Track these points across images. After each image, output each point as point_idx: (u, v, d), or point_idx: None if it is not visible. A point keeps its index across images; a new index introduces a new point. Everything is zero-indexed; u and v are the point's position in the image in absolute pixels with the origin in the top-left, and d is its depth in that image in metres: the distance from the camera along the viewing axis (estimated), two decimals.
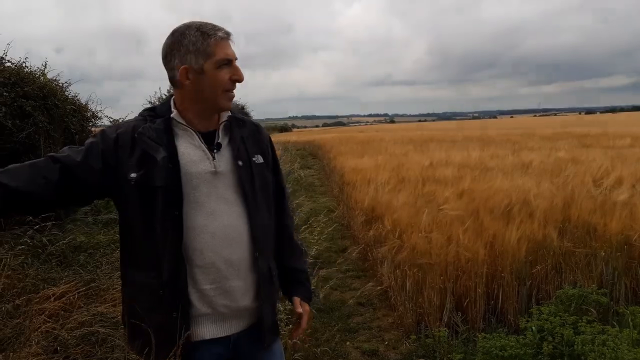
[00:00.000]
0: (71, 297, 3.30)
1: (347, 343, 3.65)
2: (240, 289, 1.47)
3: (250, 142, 1.56)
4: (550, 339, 2.65)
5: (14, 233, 4.03)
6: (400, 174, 7.20)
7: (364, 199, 5.95)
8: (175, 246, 1.38)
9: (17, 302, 3.10)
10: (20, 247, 3.76)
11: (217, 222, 1.43)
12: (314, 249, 5.19)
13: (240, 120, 1.58)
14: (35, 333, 2.80)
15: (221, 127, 1.51)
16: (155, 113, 1.48)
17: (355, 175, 7.78)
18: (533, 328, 2.76)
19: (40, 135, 4.77)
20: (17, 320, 2.92)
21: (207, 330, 1.46)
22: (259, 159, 1.56)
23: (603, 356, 2.33)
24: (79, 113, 5.77)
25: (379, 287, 4.47)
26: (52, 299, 3.24)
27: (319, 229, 5.66)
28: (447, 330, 3.21)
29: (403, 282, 3.91)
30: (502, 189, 5.08)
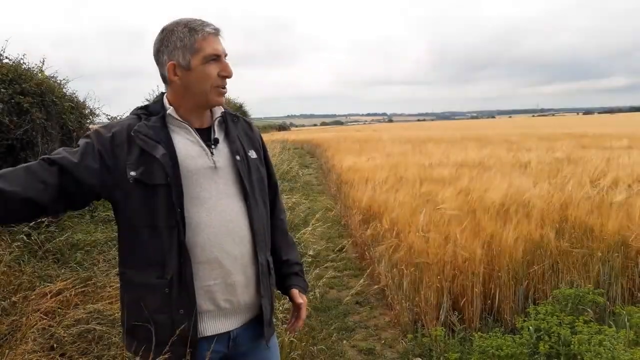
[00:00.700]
0: (68, 295, 3.29)
1: (344, 341, 3.65)
2: (241, 284, 1.48)
3: (244, 138, 1.59)
4: (546, 338, 2.66)
5: (10, 230, 4.02)
6: (398, 174, 7.19)
7: (362, 198, 5.94)
8: (179, 243, 1.38)
9: (13, 299, 3.10)
10: (16, 244, 3.75)
11: (219, 218, 1.44)
12: (312, 248, 5.20)
13: (234, 116, 1.60)
14: (32, 330, 2.80)
15: (216, 122, 1.53)
16: (149, 111, 1.48)
17: (353, 175, 7.78)
18: (530, 328, 2.77)
19: (38, 132, 4.76)
20: (13, 318, 2.91)
21: (208, 327, 1.46)
22: (253, 154, 1.58)
23: (599, 356, 2.34)
24: (77, 110, 5.75)
25: (376, 286, 4.47)
26: (48, 296, 3.23)
27: (316, 228, 5.66)
28: (443, 330, 3.22)
29: (400, 281, 3.91)
30: (499, 189, 5.08)
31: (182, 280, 1.39)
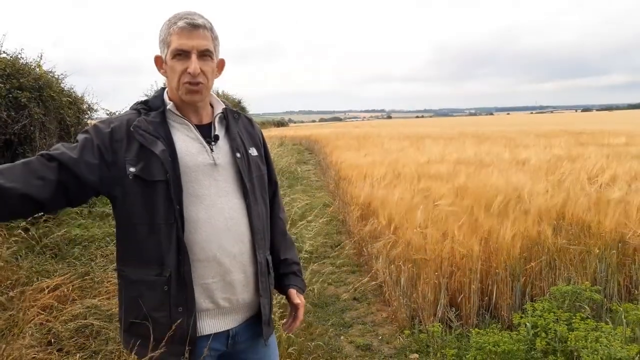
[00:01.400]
0: (65, 290, 3.29)
1: (341, 337, 3.66)
2: (240, 282, 1.47)
3: (245, 135, 1.57)
4: (543, 335, 2.67)
5: (7, 225, 4.01)
6: (396, 170, 7.19)
7: (360, 194, 5.94)
8: (178, 241, 1.36)
9: (10, 294, 3.10)
10: (14, 239, 3.75)
11: (219, 215, 1.43)
12: (309, 244, 5.20)
13: (235, 113, 1.58)
14: (29, 325, 2.80)
15: (217, 118, 1.51)
16: (149, 106, 1.46)
17: (351, 171, 7.78)
18: (527, 324, 2.78)
19: (36, 127, 4.75)
20: (11, 312, 2.91)
21: (207, 325, 1.45)
22: (254, 151, 1.56)
23: (596, 352, 2.34)
24: (75, 105, 5.75)
25: (373, 282, 4.48)
26: (46, 291, 3.23)
27: (314, 224, 5.66)
28: (440, 326, 3.22)
29: (397, 277, 3.92)
30: (497, 186, 5.09)
31: (180, 278, 1.37)
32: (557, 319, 2.75)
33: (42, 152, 1.31)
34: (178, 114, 1.44)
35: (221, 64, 1.53)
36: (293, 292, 1.67)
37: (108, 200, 1.45)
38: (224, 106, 1.54)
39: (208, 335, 1.45)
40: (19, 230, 3.92)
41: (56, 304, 3.15)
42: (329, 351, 3.41)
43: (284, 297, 1.72)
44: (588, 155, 8.41)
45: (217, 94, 1.63)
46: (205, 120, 1.51)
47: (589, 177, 5.97)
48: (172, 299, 1.38)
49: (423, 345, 3.33)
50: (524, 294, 3.71)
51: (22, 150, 4.65)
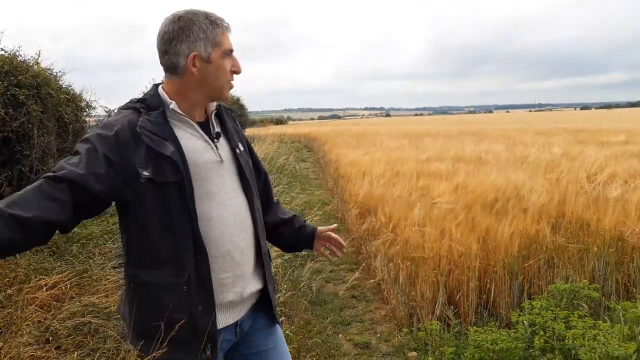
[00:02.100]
0: (63, 288, 3.29)
1: (340, 335, 3.66)
2: (249, 274, 1.53)
3: (234, 131, 1.61)
4: (541, 333, 2.67)
5: None
6: (395, 168, 7.19)
7: (359, 192, 5.94)
8: (194, 240, 1.37)
9: (8, 291, 3.09)
10: None
11: (229, 211, 1.46)
12: None
13: (228, 109, 1.61)
14: (27, 323, 2.79)
15: (212, 116, 1.53)
16: (147, 104, 1.42)
17: (350, 169, 7.78)
18: (525, 322, 2.78)
19: (34, 124, 4.73)
20: (8, 310, 2.90)
21: (222, 319, 1.48)
22: (241, 146, 1.60)
23: (594, 351, 2.35)
24: (73, 102, 5.72)
25: (372, 280, 4.48)
26: (44, 289, 3.23)
27: (313, 222, 5.66)
28: (439, 324, 3.23)
29: (396, 275, 3.92)
30: (496, 184, 5.09)
31: (199, 277, 1.39)
32: (555, 317, 2.75)
33: (47, 174, 1.28)
34: (180, 112, 1.42)
35: None
36: (321, 229, 1.82)
37: None
38: (216, 103, 1.55)
39: (220, 329, 1.48)
40: None
41: (54, 302, 3.14)
42: (327, 349, 3.41)
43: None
44: (587, 154, 8.41)
45: None
46: (203, 117, 1.52)
47: (587, 175, 5.96)
48: (192, 299, 1.38)
49: (421, 343, 3.34)
50: (522, 292, 3.72)
51: (20, 147, 4.64)
